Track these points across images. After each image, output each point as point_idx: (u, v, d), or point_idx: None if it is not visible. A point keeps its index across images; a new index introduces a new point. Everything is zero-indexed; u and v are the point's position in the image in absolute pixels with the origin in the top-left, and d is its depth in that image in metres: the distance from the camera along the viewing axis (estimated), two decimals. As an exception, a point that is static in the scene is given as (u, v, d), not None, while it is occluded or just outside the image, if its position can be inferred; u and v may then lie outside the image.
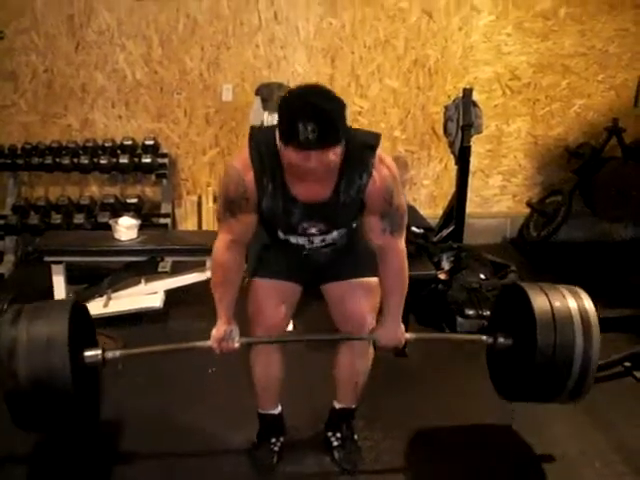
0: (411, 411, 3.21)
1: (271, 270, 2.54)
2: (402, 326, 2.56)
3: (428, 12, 5.04)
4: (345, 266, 2.55)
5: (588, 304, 2.64)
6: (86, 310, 2.73)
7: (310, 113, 1.97)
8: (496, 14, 5.09)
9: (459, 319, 3.93)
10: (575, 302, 2.63)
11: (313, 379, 3.19)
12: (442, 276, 4.09)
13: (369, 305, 2.58)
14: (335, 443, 2.86)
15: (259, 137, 2.27)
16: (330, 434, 2.89)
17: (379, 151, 2.27)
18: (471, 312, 3.92)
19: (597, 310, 2.61)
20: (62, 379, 2.35)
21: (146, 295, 4.11)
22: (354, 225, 2.45)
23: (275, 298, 2.55)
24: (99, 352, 2.56)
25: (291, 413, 2.92)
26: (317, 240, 2.43)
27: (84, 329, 2.62)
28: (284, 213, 2.31)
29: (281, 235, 2.44)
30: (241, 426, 2.94)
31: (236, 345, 2.49)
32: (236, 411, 3.06)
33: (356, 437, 2.90)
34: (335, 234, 2.42)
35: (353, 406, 2.87)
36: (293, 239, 2.43)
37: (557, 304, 2.61)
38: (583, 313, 2.60)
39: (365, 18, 5.00)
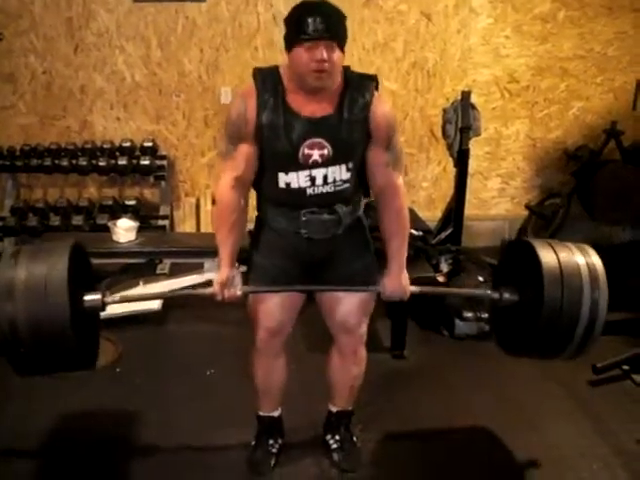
0: (409, 413, 3.22)
1: (271, 278, 2.50)
2: (407, 275, 2.51)
3: (427, 15, 5.04)
4: (342, 271, 2.52)
5: (596, 259, 2.57)
6: (86, 252, 2.63)
7: (318, 9, 2.20)
8: (495, 17, 5.10)
9: (457, 322, 3.93)
10: (583, 257, 2.56)
11: (312, 381, 3.19)
12: (440, 279, 4.08)
13: (362, 314, 2.59)
14: (334, 445, 2.86)
15: (264, 68, 2.43)
16: (329, 437, 2.89)
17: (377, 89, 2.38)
18: (469, 315, 3.93)
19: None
20: (61, 322, 2.27)
21: (144, 297, 4.10)
22: (357, 186, 2.46)
23: (276, 308, 2.53)
24: (99, 295, 2.48)
25: (290, 415, 2.91)
26: (320, 177, 2.34)
27: (84, 272, 2.54)
28: (285, 128, 2.29)
29: (282, 179, 2.36)
30: (239, 428, 2.93)
31: (238, 293, 2.43)
32: (234, 413, 3.07)
33: (355, 439, 2.90)
34: (338, 172, 2.36)
35: (350, 408, 2.87)
36: (294, 182, 2.35)
37: (564, 259, 2.53)
38: (591, 268, 2.52)
39: (364, 20, 5.00)
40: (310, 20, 2.15)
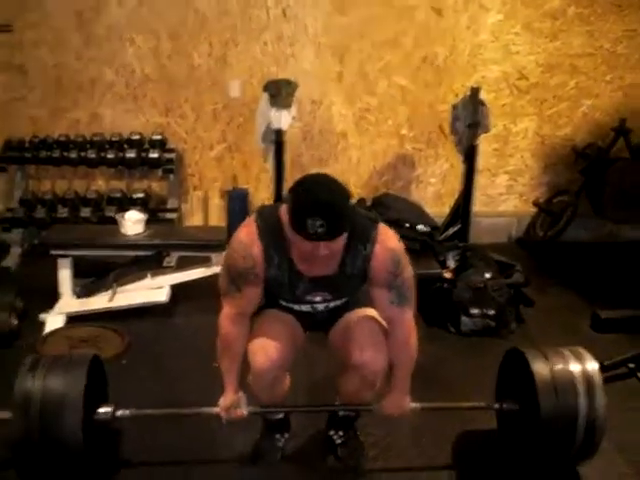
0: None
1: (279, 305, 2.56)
2: (408, 396, 2.58)
3: (437, 10, 5.03)
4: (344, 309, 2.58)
5: (591, 365, 2.63)
6: (102, 365, 2.77)
7: (318, 210, 2.07)
8: (504, 13, 5.08)
9: (464, 318, 3.93)
10: (578, 365, 2.62)
11: (317, 376, 3.19)
12: (447, 275, 4.09)
13: (376, 347, 2.46)
14: (338, 441, 2.85)
15: (265, 213, 2.35)
16: (332, 432, 2.88)
17: (381, 225, 2.34)
18: (476, 311, 3.92)
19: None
20: (73, 439, 2.42)
21: (152, 289, 4.12)
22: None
23: (283, 330, 2.53)
24: (110, 411, 2.64)
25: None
26: (320, 307, 2.49)
27: (98, 385, 2.68)
28: (289, 284, 2.38)
29: (283, 303, 2.51)
30: (246, 421, 2.93)
31: (245, 413, 2.57)
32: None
33: (358, 433, 2.90)
34: (338, 302, 2.50)
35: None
36: (296, 307, 2.50)
37: (558, 369, 2.60)
38: (586, 376, 2.59)
39: (373, 16, 4.99)
40: (310, 223, 2.06)
